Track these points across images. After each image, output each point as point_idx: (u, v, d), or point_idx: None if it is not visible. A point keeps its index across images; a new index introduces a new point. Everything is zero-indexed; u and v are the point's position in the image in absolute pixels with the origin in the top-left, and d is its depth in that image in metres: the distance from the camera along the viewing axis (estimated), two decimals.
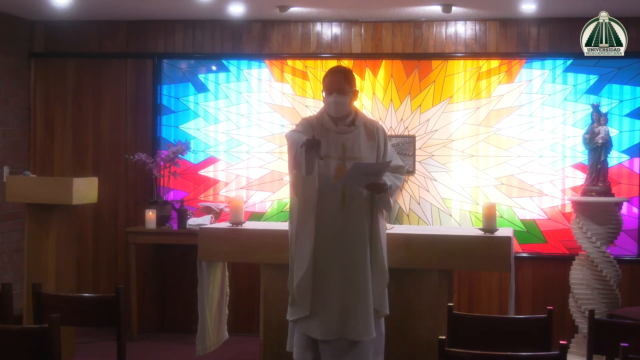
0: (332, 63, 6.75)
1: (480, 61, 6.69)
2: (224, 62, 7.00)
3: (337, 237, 4.60)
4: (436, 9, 6.30)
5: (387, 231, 5.20)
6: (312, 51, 6.88)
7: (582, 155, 6.46)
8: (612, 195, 6.12)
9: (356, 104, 4.92)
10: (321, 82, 4.88)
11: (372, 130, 4.75)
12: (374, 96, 6.77)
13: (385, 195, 4.63)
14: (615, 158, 6.45)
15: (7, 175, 6.56)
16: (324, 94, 4.73)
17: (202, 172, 7.03)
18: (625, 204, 6.39)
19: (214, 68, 7.03)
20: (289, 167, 4.69)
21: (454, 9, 6.27)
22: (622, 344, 3.14)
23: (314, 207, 4.59)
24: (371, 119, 5.08)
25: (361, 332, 4.57)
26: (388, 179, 4.65)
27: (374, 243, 4.67)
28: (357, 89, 4.83)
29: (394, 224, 6.23)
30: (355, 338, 4.58)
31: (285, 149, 5.94)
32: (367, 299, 4.58)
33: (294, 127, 5.18)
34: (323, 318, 4.58)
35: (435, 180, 6.71)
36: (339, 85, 4.65)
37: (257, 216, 6.86)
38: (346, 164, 4.59)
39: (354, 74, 4.90)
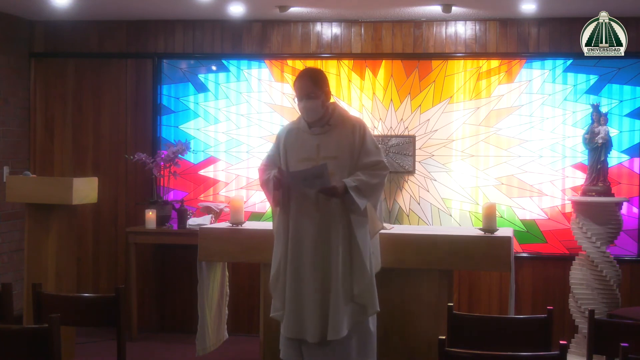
0: (332, 63, 6.77)
1: (480, 61, 6.69)
2: (224, 62, 7.00)
3: (312, 236, 4.56)
4: (436, 9, 6.30)
5: (387, 231, 5.19)
6: (312, 51, 6.87)
7: (582, 155, 6.46)
8: (612, 195, 6.12)
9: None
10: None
11: (349, 127, 4.62)
12: (374, 96, 6.77)
13: (347, 197, 4.49)
14: (615, 158, 6.45)
15: (7, 175, 6.56)
16: (295, 99, 4.67)
17: (202, 172, 7.03)
18: (625, 204, 6.39)
19: (214, 68, 7.02)
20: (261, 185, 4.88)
21: (454, 9, 6.27)
22: (622, 344, 3.14)
23: (285, 211, 4.69)
24: (351, 116, 4.86)
25: (329, 331, 4.51)
26: (353, 179, 4.51)
27: (353, 242, 4.56)
28: (328, 89, 4.67)
29: (394, 224, 6.23)
30: (328, 337, 4.52)
31: None
32: (336, 299, 4.52)
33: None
34: (306, 319, 4.55)
35: (435, 180, 6.71)
36: (307, 90, 4.55)
37: (257, 216, 6.86)
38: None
39: (324, 74, 4.75)
